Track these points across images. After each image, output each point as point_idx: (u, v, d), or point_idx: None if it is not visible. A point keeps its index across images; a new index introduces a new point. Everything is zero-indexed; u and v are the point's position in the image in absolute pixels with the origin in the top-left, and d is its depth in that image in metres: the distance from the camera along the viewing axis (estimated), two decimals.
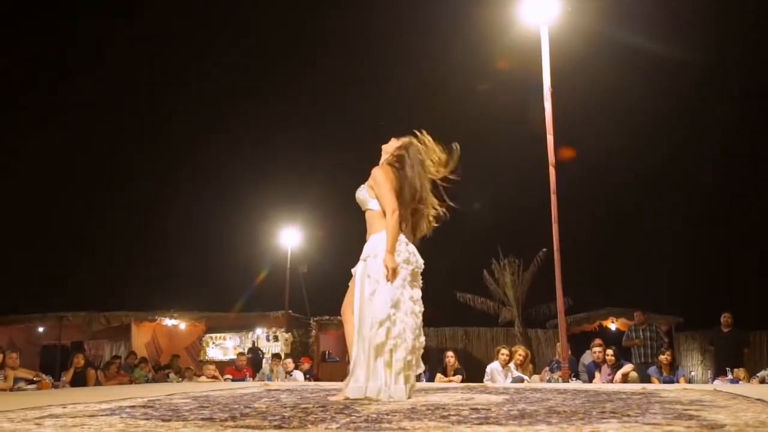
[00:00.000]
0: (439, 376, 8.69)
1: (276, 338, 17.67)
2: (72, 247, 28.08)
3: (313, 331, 17.77)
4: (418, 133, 4.11)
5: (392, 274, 3.71)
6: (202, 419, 2.51)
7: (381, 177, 3.91)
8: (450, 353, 8.93)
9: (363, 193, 4.00)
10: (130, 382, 9.85)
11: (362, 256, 3.88)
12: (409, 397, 3.59)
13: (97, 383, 9.09)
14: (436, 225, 4.10)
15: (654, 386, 6.07)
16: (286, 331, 17.47)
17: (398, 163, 4.01)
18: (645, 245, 27.31)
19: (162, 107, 32.86)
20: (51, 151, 28.17)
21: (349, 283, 3.97)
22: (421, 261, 3.94)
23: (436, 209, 4.06)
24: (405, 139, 4.10)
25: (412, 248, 3.92)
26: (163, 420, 2.51)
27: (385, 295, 3.69)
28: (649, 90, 24.17)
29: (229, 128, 32.78)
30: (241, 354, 12.30)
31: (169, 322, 17.94)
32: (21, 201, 27.32)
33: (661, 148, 26.80)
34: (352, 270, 3.91)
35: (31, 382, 7.90)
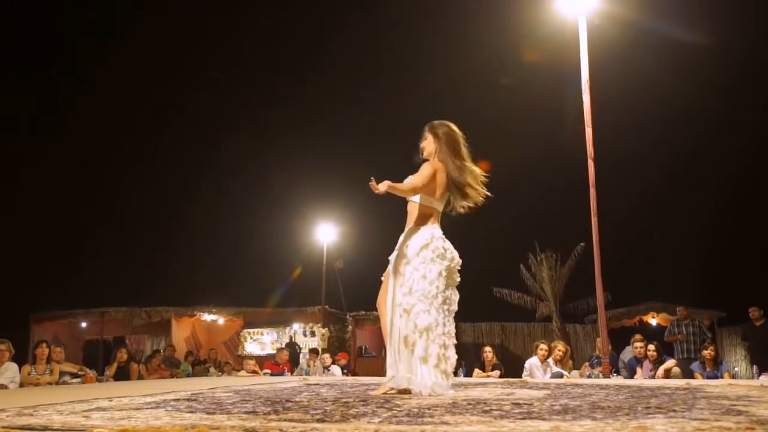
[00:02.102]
0: (477, 371, 8.64)
1: (313, 333, 17.78)
2: (113, 243, 28.65)
3: (350, 327, 17.85)
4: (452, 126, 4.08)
5: (376, 186, 3.64)
6: (246, 412, 2.53)
7: (425, 167, 3.90)
8: (488, 348, 8.87)
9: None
10: (172, 376, 10.01)
11: (397, 246, 3.88)
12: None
13: (140, 377, 9.25)
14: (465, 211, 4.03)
15: (698, 382, 5.96)
16: (323, 327, 17.57)
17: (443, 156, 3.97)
18: (684, 238, 26.85)
19: (197, 102, 33.21)
20: (89, 148, 28.77)
21: (382, 277, 3.95)
22: (458, 258, 3.89)
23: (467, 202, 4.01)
24: (439, 128, 4.03)
25: (449, 245, 3.88)
26: (208, 413, 2.54)
27: (413, 286, 3.69)
28: (685, 80, 23.70)
29: (265, 123, 33.04)
30: (280, 349, 12.40)
31: (207, 317, 18.20)
32: (61, 198, 27.99)
33: (699, 139, 26.30)
34: (390, 257, 3.90)
35: (75, 375, 8.06)
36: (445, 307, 3.76)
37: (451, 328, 3.79)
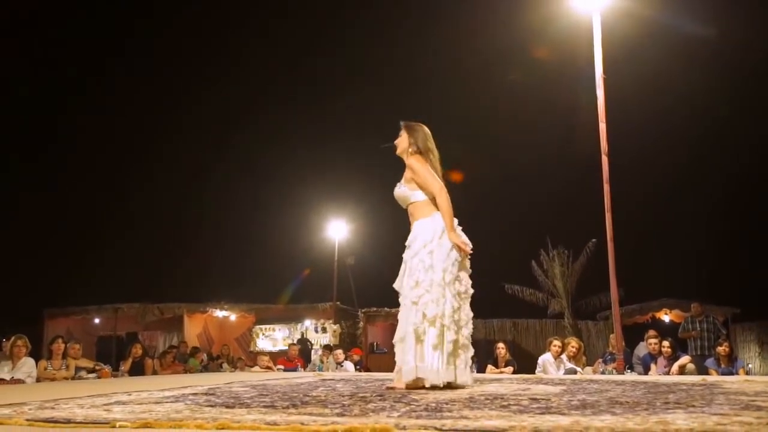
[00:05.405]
0: (490, 367, 8.63)
1: (324, 329, 17.84)
2: (126, 239, 28.82)
3: (361, 323, 17.87)
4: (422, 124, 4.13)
5: (460, 248, 3.73)
6: (265, 406, 2.55)
7: (418, 164, 3.92)
8: (501, 344, 8.87)
9: (402, 189, 3.98)
10: (185, 371, 10.05)
11: (407, 243, 3.92)
12: (465, 382, 3.57)
13: (154, 372, 9.30)
14: None
15: (714, 378, 5.93)
16: (334, 323, 17.61)
17: (418, 147, 4.01)
18: (698, 234, 26.70)
19: (206, 99, 33.28)
20: (100, 146, 28.91)
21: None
22: (470, 245, 3.89)
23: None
24: (414, 125, 4.11)
25: (460, 230, 3.89)
26: (227, 407, 2.56)
27: (419, 278, 3.70)
28: (700, 75, 23.53)
29: (275, 119, 33.10)
30: (292, 345, 12.43)
31: (219, 313, 18.29)
32: (75, 195, 28.16)
33: (712, 135, 26.12)
34: (404, 255, 3.93)
35: (91, 371, 8.11)
36: (459, 291, 3.75)
37: (465, 314, 3.78)
